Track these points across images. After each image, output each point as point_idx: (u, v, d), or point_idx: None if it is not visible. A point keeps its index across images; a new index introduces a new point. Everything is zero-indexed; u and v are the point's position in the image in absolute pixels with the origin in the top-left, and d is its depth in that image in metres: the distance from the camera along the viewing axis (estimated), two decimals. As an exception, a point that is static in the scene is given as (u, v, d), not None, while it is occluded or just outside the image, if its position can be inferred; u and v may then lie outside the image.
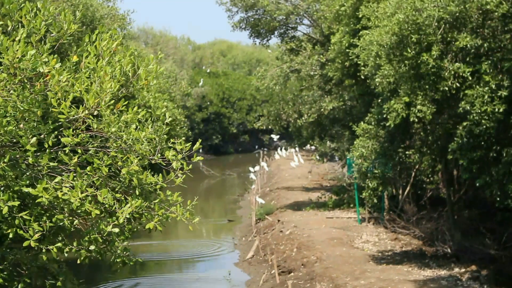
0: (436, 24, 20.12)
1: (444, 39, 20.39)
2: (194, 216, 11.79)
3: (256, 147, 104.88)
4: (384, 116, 22.45)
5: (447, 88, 20.12)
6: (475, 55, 20.07)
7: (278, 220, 36.94)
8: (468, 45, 19.62)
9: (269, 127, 49.48)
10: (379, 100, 25.52)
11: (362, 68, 23.62)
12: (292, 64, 39.99)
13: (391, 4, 21.58)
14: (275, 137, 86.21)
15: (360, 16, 26.47)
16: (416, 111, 20.91)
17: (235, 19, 41.22)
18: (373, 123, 25.37)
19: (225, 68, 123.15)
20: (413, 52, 20.54)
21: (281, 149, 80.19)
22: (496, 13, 19.46)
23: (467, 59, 20.11)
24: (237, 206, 51.60)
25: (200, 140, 12.32)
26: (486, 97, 19.22)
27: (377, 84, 22.29)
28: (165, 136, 11.87)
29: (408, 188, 31.05)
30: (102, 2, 31.92)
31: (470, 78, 19.69)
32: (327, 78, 36.25)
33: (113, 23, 30.82)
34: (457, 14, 19.82)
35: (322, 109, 39.60)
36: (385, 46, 21.05)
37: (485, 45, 19.76)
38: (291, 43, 41.40)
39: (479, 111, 19.21)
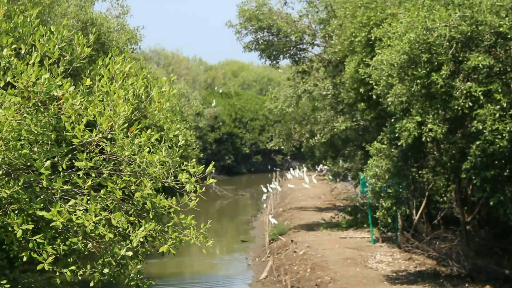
0: (447, 43, 20.12)
1: (456, 58, 20.38)
2: (207, 239, 11.77)
3: (269, 167, 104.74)
4: (396, 135, 22.42)
5: (458, 107, 20.11)
6: (487, 75, 20.04)
7: (292, 241, 36.86)
8: (480, 65, 19.59)
9: (281, 147, 49.44)
10: (392, 120, 25.48)
11: (375, 87, 23.58)
12: (305, 86, 40.08)
13: (403, 24, 21.59)
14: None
15: (373, 38, 26.38)
16: (428, 130, 20.90)
17: (245, 40, 41.40)
18: (385, 142, 25.33)
19: (237, 88, 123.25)
20: (424, 71, 20.55)
21: (293, 169, 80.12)
22: (509, 35, 19.47)
23: (479, 78, 20.09)
24: (250, 226, 51.50)
25: (213, 163, 12.30)
26: (497, 115, 19.19)
27: (390, 103, 22.27)
28: (178, 159, 11.87)
29: (421, 208, 30.93)
30: (112, 18, 32.05)
31: (482, 97, 19.67)
32: (340, 98, 36.29)
33: (121, 36, 30.87)
34: (469, 34, 19.81)
35: (334, 129, 39.55)
36: (395, 66, 21.05)
37: (498, 65, 19.73)
38: (302, 65, 41.50)
39: (491, 129, 19.19)
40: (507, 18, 19.26)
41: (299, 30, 40.16)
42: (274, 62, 42.15)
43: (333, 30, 35.40)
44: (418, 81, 20.89)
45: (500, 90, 19.55)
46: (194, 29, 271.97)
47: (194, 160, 11.57)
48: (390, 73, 21.58)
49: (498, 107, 19.26)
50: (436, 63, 20.52)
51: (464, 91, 19.98)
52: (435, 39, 20.22)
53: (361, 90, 29.83)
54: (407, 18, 21.55)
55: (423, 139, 21.26)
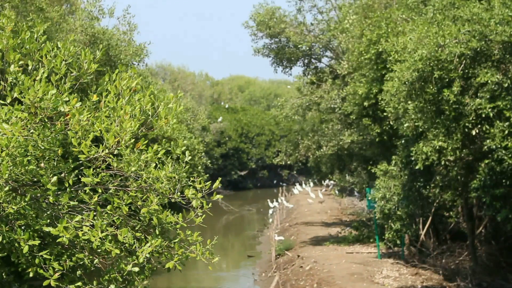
0: (457, 59, 20.10)
1: (465, 74, 20.37)
2: (214, 256, 11.77)
3: (275, 182, 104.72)
4: (412, 159, 22.31)
5: (469, 125, 20.10)
6: (496, 90, 20.03)
7: (298, 256, 36.81)
8: (489, 81, 19.56)
9: (288, 162, 49.45)
10: (403, 141, 25.42)
11: (389, 109, 23.43)
12: (312, 97, 40.18)
13: (412, 40, 21.55)
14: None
15: (381, 50, 26.35)
16: (437, 146, 20.86)
17: (259, 44, 41.65)
18: (399, 165, 25.27)
19: (243, 103, 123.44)
20: (435, 89, 20.54)
21: (300, 184, 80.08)
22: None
23: (488, 94, 20.07)
24: (257, 241, 51.48)
25: (219, 179, 12.32)
26: (506, 132, 19.16)
27: (405, 128, 22.21)
28: (184, 174, 11.87)
29: (428, 223, 30.88)
30: (120, 35, 32.22)
31: (491, 114, 19.66)
32: (347, 112, 36.34)
33: (128, 49, 31.05)
34: (478, 49, 19.80)
35: (341, 142, 39.60)
36: (406, 83, 21.03)
37: (507, 80, 19.69)
38: (312, 76, 41.62)
39: (500, 146, 19.15)
40: None
41: (308, 40, 40.32)
42: (287, 69, 42.31)
43: (341, 49, 35.53)
44: (430, 97, 20.88)
45: (509, 106, 19.51)
46: (200, 43, 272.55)
47: (200, 168, 11.53)
48: (401, 90, 21.52)
49: (507, 123, 19.21)
50: (447, 80, 20.52)
51: (474, 108, 19.97)
52: (446, 56, 20.21)
53: (365, 104, 29.85)
54: (416, 34, 21.51)
55: (442, 163, 21.22)
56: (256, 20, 40.67)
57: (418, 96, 21.11)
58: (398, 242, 28.54)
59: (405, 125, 22.04)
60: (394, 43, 24.30)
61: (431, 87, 20.56)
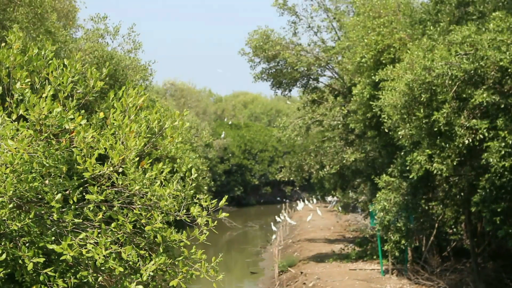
0: (449, 82, 20.21)
1: (459, 95, 20.47)
2: (218, 273, 11.74)
3: (278, 198, 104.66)
4: (407, 168, 22.46)
5: (462, 146, 20.19)
6: (492, 111, 20.12)
7: (301, 272, 36.77)
8: (485, 102, 19.65)
9: (291, 178, 49.44)
10: (402, 153, 25.53)
11: (385, 121, 23.68)
12: (314, 115, 40.23)
13: (401, 66, 21.78)
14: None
15: (377, 80, 26.53)
16: (433, 167, 20.97)
17: (257, 69, 41.71)
18: (396, 175, 25.34)
19: (246, 119, 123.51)
20: (426, 112, 20.67)
21: (303, 200, 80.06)
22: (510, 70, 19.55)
23: (484, 114, 20.18)
24: (260, 258, 51.41)
25: (226, 197, 12.34)
26: (502, 152, 19.23)
27: (401, 137, 22.34)
28: (190, 192, 11.86)
29: (431, 239, 30.85)
30: (124, 53, 32.27)
31: (486, 134, 19.76)
32: (350, 129, 36.40)
33: (136, 74, 31.11)
34: (472, 71, 19.89)
35: (344, 161, 39.61)
36: (398, 107, 21.18)
37: (503, 101, 19.78)
38: (313, 94, 41.72)
39: (498, 165, 19.22)
40: (507, 53, 19.33)
41: (305, 61, 40.40)
42: (286, 92, 42.48)
43: (340, 51, 35.63)
44: (423, 121, 21.01)
45: (504, 126, 19.60)
46: (204, 60, 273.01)
47: (205, 188, 11.53)
48: (396, 113, 21.73)
49: (503, 144, 19.30)
50: (437, 102, 20.64)
51: (469, 129, 20.08)
52: (433, 79, 20.32)
53: (369, 115, 29.95)
54: (407, 59, 21.70)
55: (434, 171, 21.29)
56: (252, 45, 40.75)
57: (410, 118, 21.27)
58: (397, 254, 28.51)
59: (400, 133, 22.19)
60: (388, 72, 24.41)
61: (422, 111, 20.70)
